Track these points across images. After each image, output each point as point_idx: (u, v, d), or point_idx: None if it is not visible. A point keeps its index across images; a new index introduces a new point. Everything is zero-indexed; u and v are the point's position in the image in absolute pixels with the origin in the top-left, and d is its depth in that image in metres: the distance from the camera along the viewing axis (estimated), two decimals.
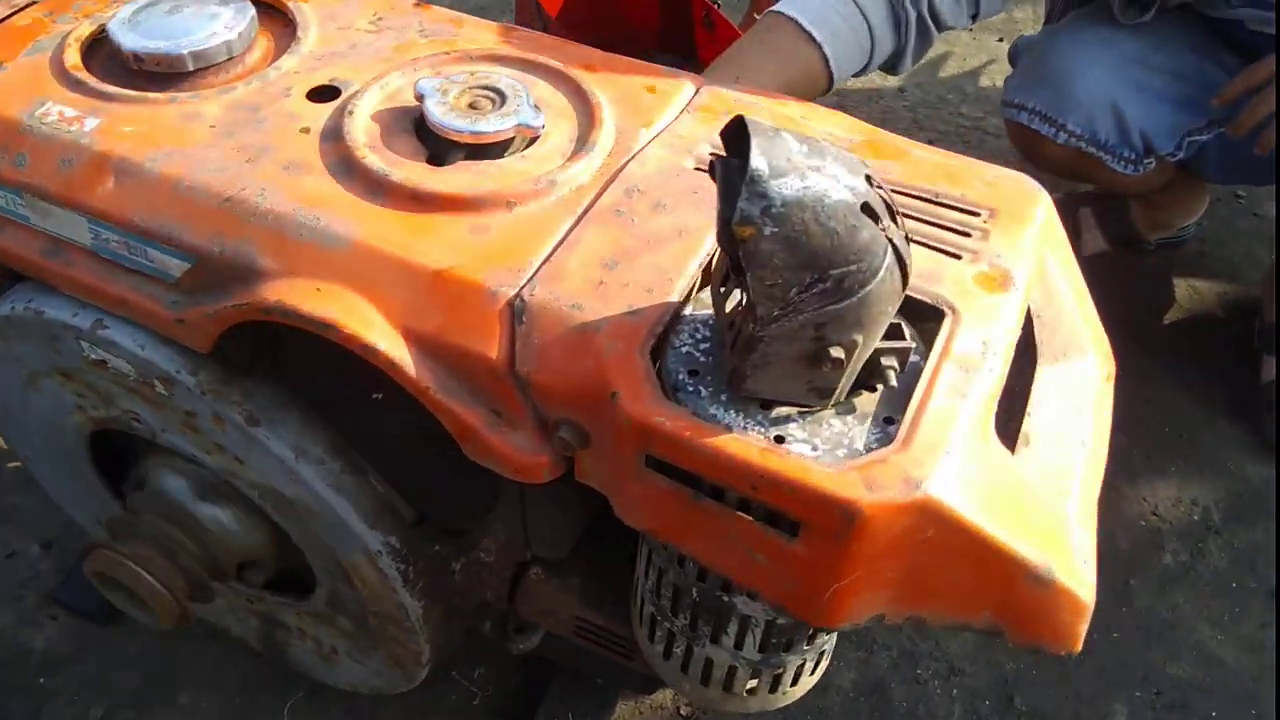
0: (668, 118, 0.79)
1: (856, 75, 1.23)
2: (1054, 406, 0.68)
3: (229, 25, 0.83)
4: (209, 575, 0.93)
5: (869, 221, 0.51)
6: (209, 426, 0.81)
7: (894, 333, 0.60)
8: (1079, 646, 0.61)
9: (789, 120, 0.81)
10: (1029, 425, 0.67)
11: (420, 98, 0.75)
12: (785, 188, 0.49)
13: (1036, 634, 0.60)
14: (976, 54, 2.23)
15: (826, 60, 1.14)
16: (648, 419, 0.58)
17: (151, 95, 0.79)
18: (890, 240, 0.53)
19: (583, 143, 0.76)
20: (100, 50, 0.85)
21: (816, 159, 0.50)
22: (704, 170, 0.74)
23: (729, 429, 0.58)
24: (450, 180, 0.71)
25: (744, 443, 0.57)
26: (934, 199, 0.73)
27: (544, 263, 0.67)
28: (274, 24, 0.89)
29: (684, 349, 0.63)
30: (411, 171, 0.72)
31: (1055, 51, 1.32)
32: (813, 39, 1.13)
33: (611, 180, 0.73)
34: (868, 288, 0.53)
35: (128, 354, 0.79)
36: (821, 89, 1.19)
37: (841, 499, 0.54)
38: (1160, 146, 1.32)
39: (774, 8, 1.18)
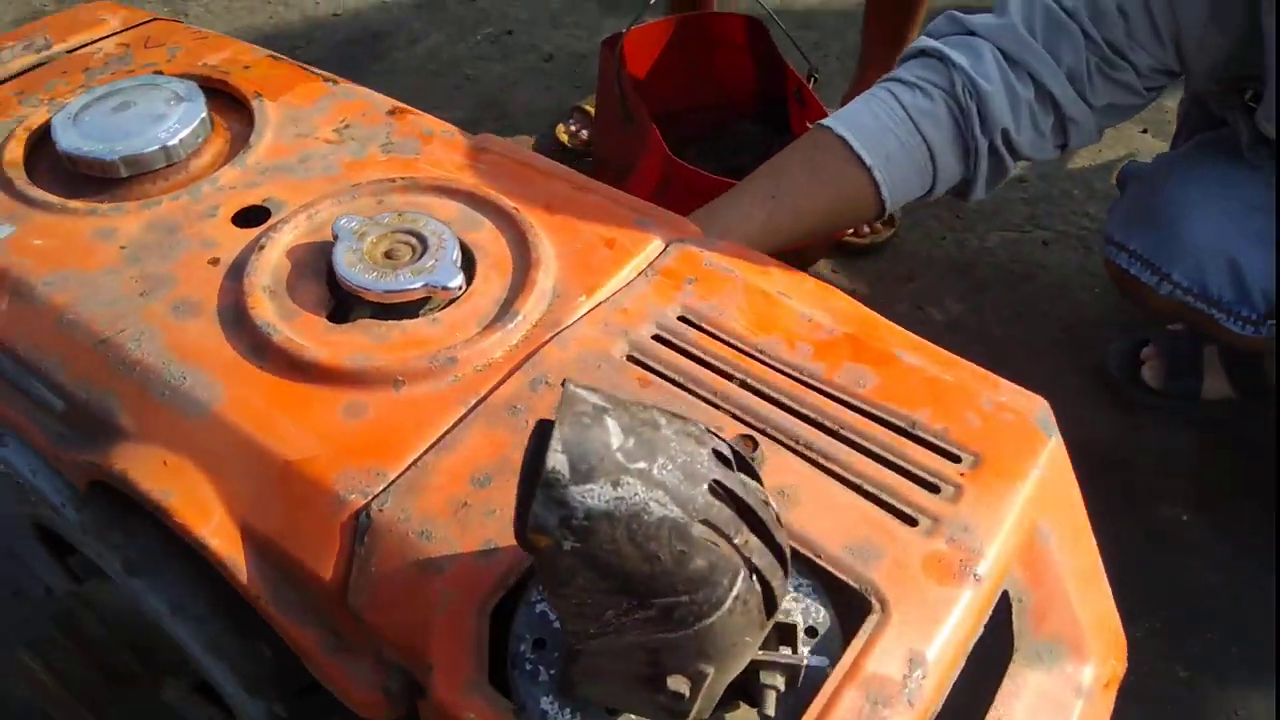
0: (616, 284, 0.68)
1: (920, 200, 1.08)
2: None
3: (172, 129, 0.76)
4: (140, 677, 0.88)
5: (707, 544, 0.39)
6: (99, 560, 0.75)
7: (785, 637, 0.47)
8: None
9: (765, 298, 0.68)
10: None
11: (335, 238, 0.67)
12: (590, 496, 0.37)
13: None
14: (1113, 146, 2.00)
15: (877, 185, 1.01)
16: (456, 711, 0.47)
17: (73, 205, 0.73)
18: (748, 560, 0.40)
19: (506, 309, 0.65)
20: (50, 145, 0.80)
21: (643, 458, 0.38)
22: (635, 362, 0.62)
23: None
24: (337, 346, 0.62)
25: None
26: (907, 429, 0.59)
27: (410, 467, 0.57)
28: (236, 121, 0.83)
29: (539, 607, 0.51)
30: (299, 330, 0.63)
31: (1166, 186, 1.13)
32: (862, 162, 0.99)
33: (521, 364, 0.62)
34: (707, 620, 0.40)
35: (20, 475, 0.74)
36: (871, 214, 1.05)
37: None
38: None
39: (825, 120, 1.05)
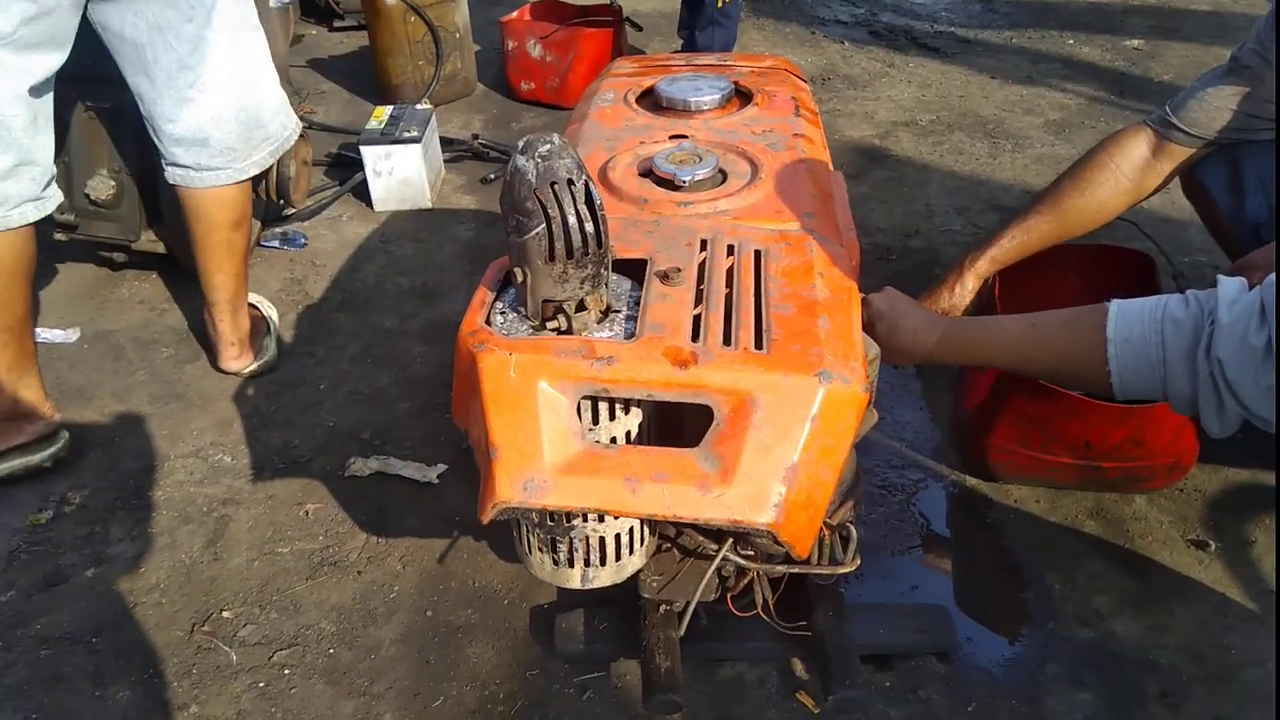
0: (754, 224, 1.13)
1: (1149, 401, 1.16)
2: None
3: (699, 97, 1.43)
4: None
5: (535, 199, 0.90)
6: None
7: (579, 307, 0.94)
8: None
9: (806, 265, 1.06)
10: None
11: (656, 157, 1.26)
12: (519, 160, 0.92)
13: None
14: None
15: (1106, 359, 1.15)
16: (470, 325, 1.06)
17: (634, 106, 1.46)
18: (548, 221, 0.90)
19: (693, 202, 1.17)
20: (649, 96, 1.53)
21: (543, 160, 0.91)
22: (701, 243, 1.09)
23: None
24: (630, 183, 1.23)
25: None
26: (762, 326, 0.95)
27: None
28: (737, 108, 1.46)
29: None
30: (621, 176, 1.25)
31: None
32: (1105, 333, 1.15)
33: (663, 215, 1.14)
34: (524, 237, 0.92)
35: None
36: (1102, 385, 1.17)
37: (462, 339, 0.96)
38: None
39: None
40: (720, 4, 3.06)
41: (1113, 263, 1.83)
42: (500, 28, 3.33)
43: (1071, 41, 3.68)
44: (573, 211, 0.91)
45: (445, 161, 2.89)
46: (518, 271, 0.95)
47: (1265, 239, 1.49)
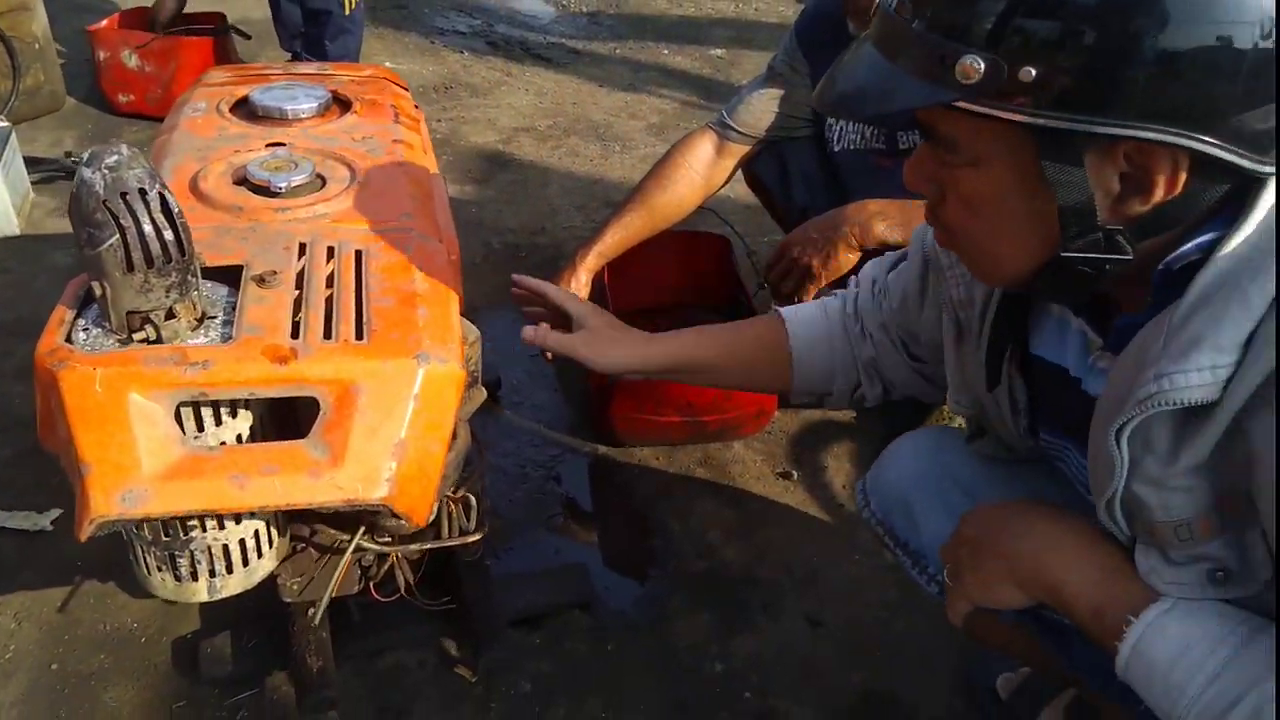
0: (353, 226, 1.19)
1: (825, 395, 1.29)
2: None
3: (306, 104, 1.45)
4: None
5: (106, 210, 0.89)
6: None
7: (169, 315, 0.94)
8: None
9: (405, 264, 1.13)
10: None
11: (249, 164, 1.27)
12: (84, 173, 0.91)
13: None
14: None
15: (790, 353, 1.24)
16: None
17: (228, 116, 1.45)
18: (121, 232, 0.90)
19: (289, 207, 1.20)
20: (244, 105, 1.52)
21: (119, 169, 0.90)
22: (301, 247, 1.13)
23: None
24: (224, 191, 1.22)
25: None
26: (363, 318, 1.01)
27: None
28: (337, 116, 1.49)
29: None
30: (214, 184, 1.25)
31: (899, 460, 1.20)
32: (784, 325, 1.25)
33: (266, 215, 1.16)
34: (98, 249, 0.90)
35: None
36: (783, 380, 1.25)
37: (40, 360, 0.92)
38: None
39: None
40: (348, 10, 3.03)
41: (701, 246, 2.10)
42: (88, 37, 3.07)
43: (666, 52, 4.06)
44: (148, 220, 0.91)
45: (34, 183, 2.63)
46: (96, 286, 0.93)
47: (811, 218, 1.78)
